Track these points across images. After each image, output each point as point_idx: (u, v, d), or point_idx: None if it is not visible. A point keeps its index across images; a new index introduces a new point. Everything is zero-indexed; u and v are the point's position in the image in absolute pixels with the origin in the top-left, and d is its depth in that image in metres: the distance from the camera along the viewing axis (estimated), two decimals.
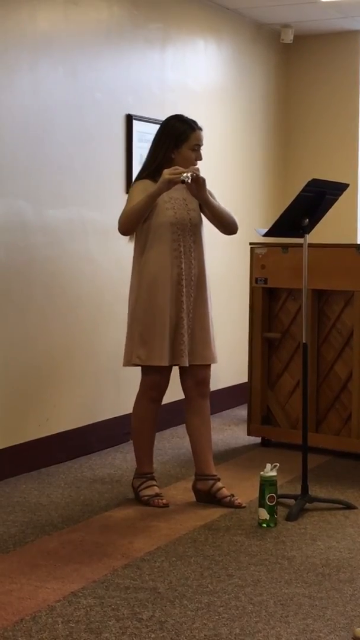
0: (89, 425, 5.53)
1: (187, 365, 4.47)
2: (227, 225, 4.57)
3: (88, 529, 4.18)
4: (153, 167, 4.47)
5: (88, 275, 5.51)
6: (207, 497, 4.55)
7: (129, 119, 5.79)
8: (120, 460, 5.40)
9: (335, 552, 3.89)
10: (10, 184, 4.95)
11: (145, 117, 5.87)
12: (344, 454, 5.50)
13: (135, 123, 5.80)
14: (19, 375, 5.05)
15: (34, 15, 5.06)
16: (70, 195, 5.37)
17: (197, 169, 4.38)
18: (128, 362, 4.54)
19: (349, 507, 4.51)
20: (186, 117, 4.53)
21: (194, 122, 4.51)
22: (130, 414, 4.66)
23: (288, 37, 7.31)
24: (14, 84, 4.94)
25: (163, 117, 4.62)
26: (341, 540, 4.04)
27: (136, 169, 5.75)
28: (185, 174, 4.27)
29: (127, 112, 5.80)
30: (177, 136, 4.45)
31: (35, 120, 5.08)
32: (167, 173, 4.29)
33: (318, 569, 3.69)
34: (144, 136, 5.82)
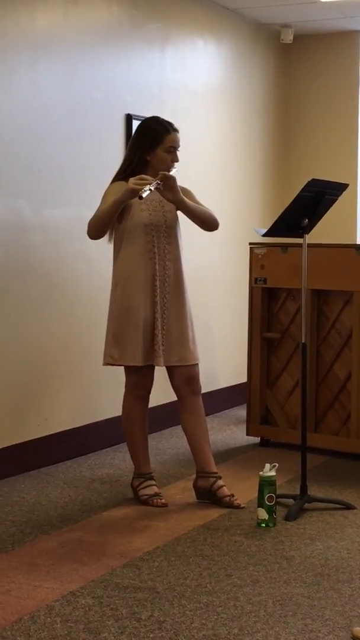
0: (87, 425, 5.53)
1: (162, 365, 4.47)
2: (206, 223, 4.56)
3: (87, 528, 4.18)
4: (129, 169, 4.48)
5: (86, 275, 5.51)
6: (208, 494, 4.54)
7: (129, 119, 5.79)
8: (119, 459, 5.40)
9: (334, 552, 3.89)
10: (10, 183, 4.95)
11: (144, 117, 5.84)
12: (343, 454, 5.50)
13: (134, 123, 5.79)
14: (17, 375, 5.05)
15: (33, 14, 5.06)
16: (70, 194, 5.37)
17: (165, 175, 4.34)
18: (105, 361, 4.57)
19: (347, 507, 4.51)
20: (162, 119, 4.54)
21: (170, 124, 4.50)
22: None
23: (288, 37, 7.32)
24: (13, 84, 4.94)
25: (163, 117, 4.62)
26: (340, 541, 4.04)
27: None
28: (146, 187, 4.21)
29: (127, 112, 5.80)
30: (152, 138, 4.45)
31: (35, 119, 5.08)
32: (131, 182, 4.29)
33: (317, 569, 3.69)
34: None
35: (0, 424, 4.95)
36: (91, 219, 4.46)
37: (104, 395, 5.66)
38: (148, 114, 5.85)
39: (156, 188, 4.29)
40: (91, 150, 5.52)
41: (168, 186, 4.34)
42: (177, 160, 4.49)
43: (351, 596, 3.42)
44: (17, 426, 5.06)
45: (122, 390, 5.60)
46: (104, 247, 5.54)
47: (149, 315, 4.45)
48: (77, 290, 5.45)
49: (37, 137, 5.11)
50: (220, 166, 6.81)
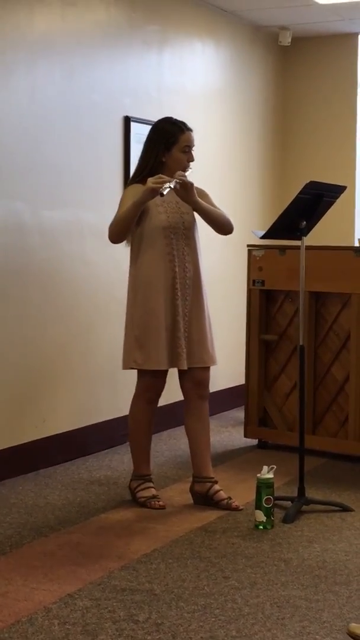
0: (85, 426, 5.53)
1: (186, 368, 4.47)
2: (221, 226, 4.56)
3: (85, 530, 4.18)
4: (145, 171, 4.46)
5: (85, 277, 5.51)
6: (205, 499, 4.54)
7: (127, 121, 5.79)
8: (117, 461, 5.39)
9: (331, 555, 3.89)
10: (8, 185, 4.95)
11: (142, 119, 5.87)
12: (341, 456, 5.50)
13: (132, 125, 5.81)
14: (15, 377, 5.05)
15: (32, 16, 5.06)
16: (68, 196, 5.37)
17: (184, 175, 4.35)
18: (127, 366, 4.55)
19: (345, 509, 4.51)
20: (175, 119, 4.52)
21: (184, 124, 4.49)
22: (127, 415, 4.67)
23: (286, 39, 7.32)
24: (11, 86, 4.94)
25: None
26: (338, 543, 4.04)
27: (134, 170, 5.77)
28: (166, 185, 4.22)
29: (125, 114, 5.80)
30: (167, 139, 4.44)
31: (33, 121, 5.08)
32: (150, 181, 4.28)
33: (314, 572, 3.69)
34: (142, 138, 5.77)
35: None
36: (111, 224, 4.44)
37: (102, 397, 5.66)
38: (146, 117, 5.88)
39: (173, 188, 4.28)
40: (89, 153, 5.52)
41: (185, 187, 4.34)
42: (192, 160, 4.49)
43: (349, 598, 3.42)
44: (15, 428, 5.05)
45: (120, 391, 5.59)
46: (102, 248, 5.56)
47: (170, 319, 4.44)
48: (75, 292, 5.45)
49: (35, 139, 5.11)
50: (218, 168, 6.81)
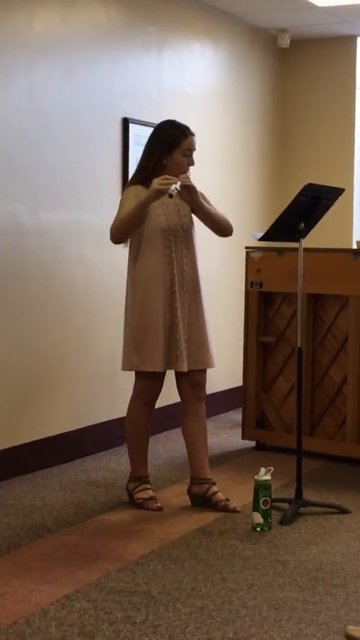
0: (83, 428, 5.53)
1: (185, 370, 4.47)
2: (221, 229, 4.57)
3: (82, 532, 4.18)
4: (146, 173, 4.46)
5: (83, 279, 5.51)
6: (202, 501, 4.55)
7: (126, 123, 5.80)
8: (115, 463, 5.40)
9: (329, 557, 3.89)
10: (6, 186, 4.95)
11: (141, 121, 5.87)
12: (338, 458, 5.50)
13: (131, 126, 5.81)
14: (13, 378, 5.05)
15: (31, 18, 5.06)
16: (66, 198, 5.37)
17: (187, 177, 4.38)
18: (125, 367, 4.55)
19: (342, 511, 4.52)
20: (179, 123, 4.53)
21: (187, 128, 4.50)
22: (125, 417, 4.67)
23: (285, 41, 7.33)
24: (10, 87, 4.94)
25: (159, 121, 4.62)
26: (335, 545, 4.05)
27: (132, 172, 5.77)
28: (173, 187, 4.25)
29: (124, 116, 5.80)
30: (170, 142, 4.45)
31: (32, 123, 5.09)
32: (156, 183, 4.29)
33: (312, 573, 3.69)
34: (140, 139, 5.81)
35: None
36: (114, 224, 4.44)
37: (100, 399, 5.66)
38: (145, 118, 5.89)
39: (174, 194, 4.30)
40: (88, 154, 5.53)
41: (189, 189, 4.36)
42: (192, 164, 4.50)
43: (346, 600, 3.43)
44: (13, 429, 5.05)
45: (118, 393, 5.59)
46: (100, 250, 5.56)
47: (168, 321, 4.44)
48: (74, 294, 5.45)
49: (34, 141, 5.11)
50: (217, 170, 6.82)
